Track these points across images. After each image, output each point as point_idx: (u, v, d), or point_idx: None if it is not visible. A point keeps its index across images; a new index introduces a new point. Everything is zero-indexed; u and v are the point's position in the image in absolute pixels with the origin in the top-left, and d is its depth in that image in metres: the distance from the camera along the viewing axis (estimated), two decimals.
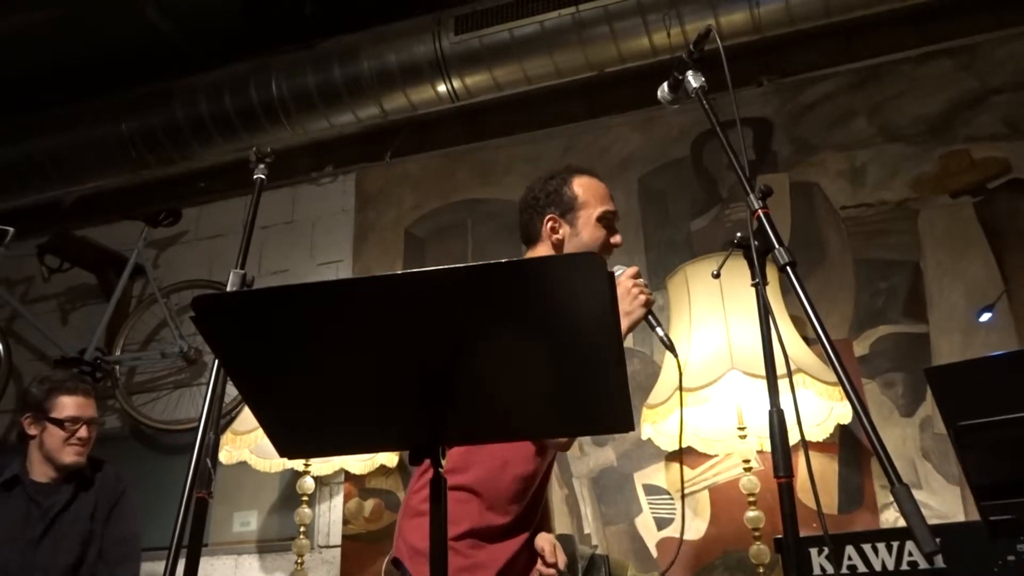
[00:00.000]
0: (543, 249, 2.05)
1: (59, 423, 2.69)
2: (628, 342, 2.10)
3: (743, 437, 2.58)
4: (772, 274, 1.74)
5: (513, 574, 1.87)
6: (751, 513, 2.56)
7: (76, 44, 3.82)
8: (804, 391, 2.49)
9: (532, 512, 1.95)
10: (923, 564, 1.80)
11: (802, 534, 1.52)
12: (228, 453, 3.02)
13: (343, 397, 1.21)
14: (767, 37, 3.20)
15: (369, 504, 3.30)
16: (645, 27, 3.16)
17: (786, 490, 1.42)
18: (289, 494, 3.31)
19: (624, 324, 1.84)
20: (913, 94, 3.19)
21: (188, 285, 3.83)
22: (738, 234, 1.59)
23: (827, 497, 2.76)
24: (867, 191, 3.13)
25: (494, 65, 3.38)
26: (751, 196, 1.58)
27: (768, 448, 1.61)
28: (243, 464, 3.11)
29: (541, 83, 3.44)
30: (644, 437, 2.80)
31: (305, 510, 3.04)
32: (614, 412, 1.20)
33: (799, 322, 2.76)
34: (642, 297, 1.87)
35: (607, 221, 2.06)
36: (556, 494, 3.03)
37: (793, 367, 2.17)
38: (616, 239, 2.07)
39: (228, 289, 1.84)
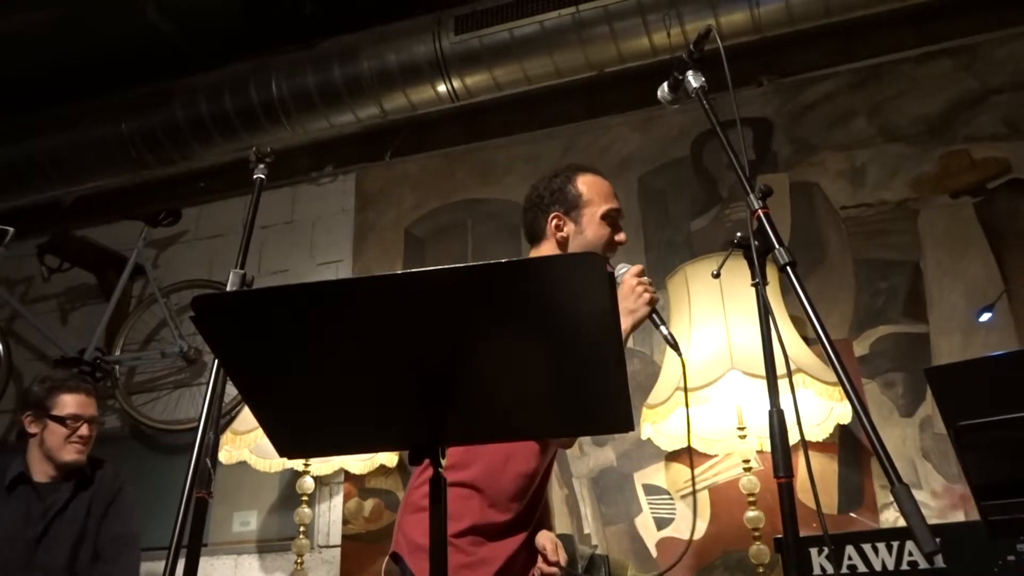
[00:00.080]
0: (548, 247, 2.05)
1: (60, 421, 2.69)
2: (628, 342, 2.09)
3: (743, 437, 2.58)
4: (772, 274, 1.73)
5: (513, 572, 1.87)
6: (751, 513, 2.56)
7: (76, 44, 3.82)
8: (804, 391, 2.49)
9: (532, 510, 1.95)
10: (923, 564, 1.80)
11: (802, 534, 1.52)
12: (228, 453, 3.02)
13: (343, 397, 1.21)
14: (767, 37, 3.20)
15: (369, 504, 3.30)
16: (645, 27, 3.16)
17: (786, 490, 1.42)
18: (289, 494, 3.31)
19: (628, 322, 1.84)
20: (913, 94, 3.19)
21: (188, 285, 3.83)
22: (738, 234, 1.59)
23: (827, 497, 2.76)
24: (867, 191, 3.13)
25: (494, 65, 3.37)
26: (751, 196, 1.58)
27: (768, 448, 1.61)
28: (243, 464, 3.11)
29: (541, 83, 3.44)
30: (644, 437, 2.80)
31: (305, 510, 3.04)
32: (614, 412, 1.20)
33: (799, 322, 2.76)
34: (647, 295, 1.87)
35: (611, 219, 2.06)
36: (556, 494, 3.02)
37: (793, 367, 2.17)
38: (620, 237, 2.07)
39: (228, 289, 1.84)
